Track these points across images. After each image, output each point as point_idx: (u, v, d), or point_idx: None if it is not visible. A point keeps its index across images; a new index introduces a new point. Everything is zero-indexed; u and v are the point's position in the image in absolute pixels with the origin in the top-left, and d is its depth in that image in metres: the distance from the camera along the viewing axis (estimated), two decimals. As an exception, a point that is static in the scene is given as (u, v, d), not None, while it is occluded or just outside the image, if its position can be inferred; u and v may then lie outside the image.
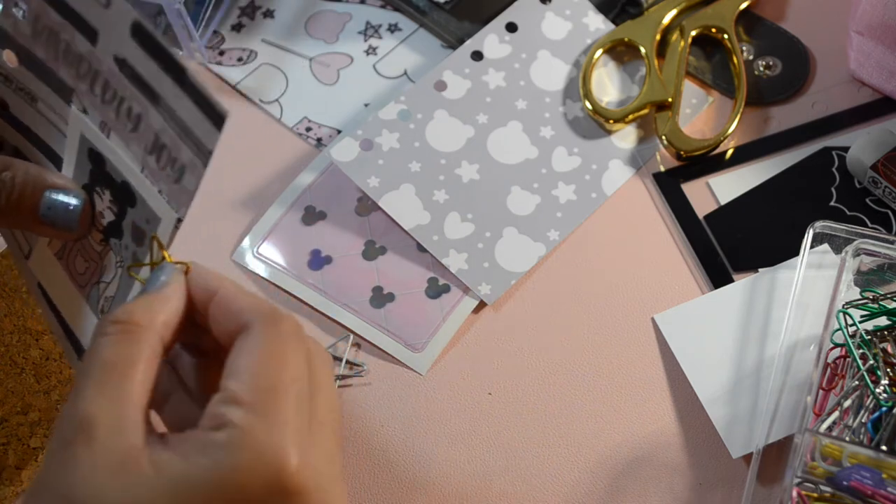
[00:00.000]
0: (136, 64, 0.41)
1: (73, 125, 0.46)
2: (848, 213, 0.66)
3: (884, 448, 0.54)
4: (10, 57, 0.47)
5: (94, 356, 0.40)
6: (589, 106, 0.70)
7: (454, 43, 0.73)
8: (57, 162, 0.48)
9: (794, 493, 0.54)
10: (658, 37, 0.72)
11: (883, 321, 0.59)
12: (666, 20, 0.73)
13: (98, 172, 0.46)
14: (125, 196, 0.45)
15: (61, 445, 0.38)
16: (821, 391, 0.58)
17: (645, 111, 0.70)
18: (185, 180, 0.41)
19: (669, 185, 0.68)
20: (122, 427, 0.38)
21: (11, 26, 0.46)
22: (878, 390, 0.56)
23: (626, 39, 0.72)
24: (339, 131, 0.72)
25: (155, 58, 0.40)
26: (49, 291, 0.49)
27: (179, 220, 0.43)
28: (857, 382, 0.57)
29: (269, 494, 0.38)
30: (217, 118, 0.39)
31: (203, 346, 0.44)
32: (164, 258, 0.43)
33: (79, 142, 0.46)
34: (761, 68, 0.72)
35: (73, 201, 0.47)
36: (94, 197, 0.46)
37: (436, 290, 0.66)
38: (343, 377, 0.64)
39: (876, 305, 0.59)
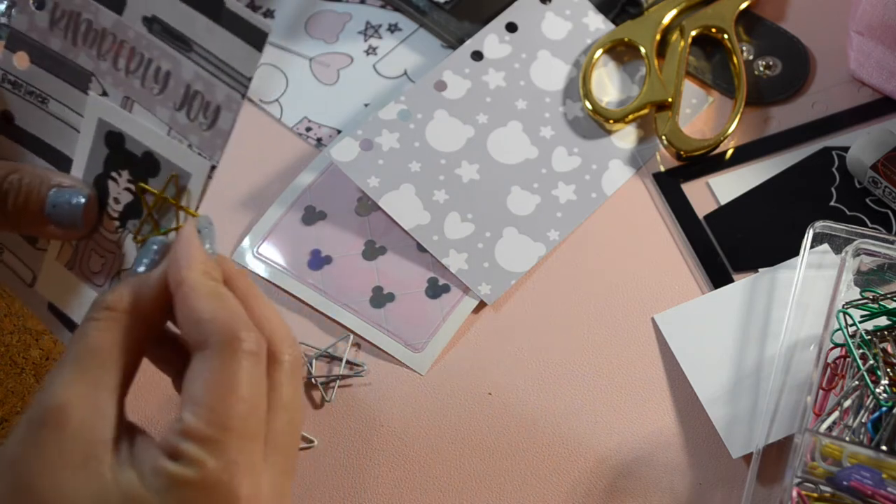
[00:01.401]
0: (166, 17, 0.43)
1: (90, 112, 0.46)
2: (848, 213, 0.66)
3: (884, 448, 0.54)
4: (21, 59, 0.47)
5: (80, 340, 0.40)
6: (589, 106, 0.70)
7: (454, 43, 0.73)
8: (65, 164, 0.48)
9: (794, 493, 0.54)
10: (658, 37, 0.72)
11: (883, 321, 0.59)
12: (666, 20, 0.73)
13: (115, 155, 0.46)
14: (147, 167, 0.45)
15: (32, 426, 0.39)
16: (821, 391, 0.58)
17: (645, 111, 0.70)
18: (220, 121, 0.43)
19: (669, 185, 0.68)
20: (94, 420, 0.39)
21: (26, 23, 0.47)
22: (878, 390, 0.56)
23: (626, 39, 0.72)
24: (339, 131, 0.72)
25: (190, 2, 0.43)
26: (63, 307, 0.49)
27: (213, 168, 0.44)
28: (857, 382, 0.57)
29: None
30: (258, 37, 0.41)
31: None
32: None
33: (95, 128, 0.46)
34: (761, 68, 0.72)
35: (77, 197, 0.47)
36: (108, 184, 0.47)
37: (436, 290, 0.66)
38: (343, 377, 0.64)
39: (876, 305, 0.59)
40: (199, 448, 0.39)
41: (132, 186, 0.46)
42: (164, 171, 0.45)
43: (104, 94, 0.46)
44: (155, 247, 0.44)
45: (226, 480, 0.39)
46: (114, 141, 0.46)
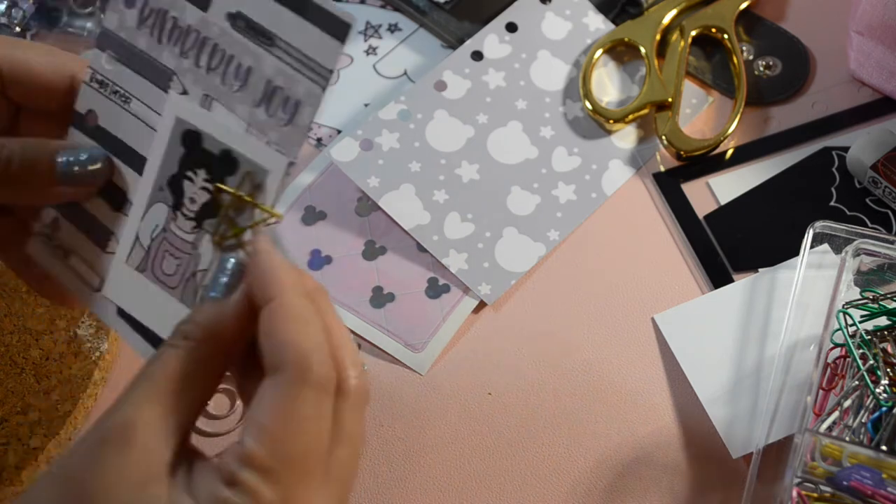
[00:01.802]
0: (250, 13, 0.44)
1: (169, 111, 0.47)
2: (848, 213, 0.66)
3: (884, 448, 0.54)
4: (109, 59, 0.49)
5: (156, 363, 0.40)
6: (589, 106, 0.70)
7: (454, 43, 0.73)
8: (139, 164, 0.48)
9: (794, 493, 0.54)
10: (658, 37, 0.72)
11: (883, 321, 0.59)
12: (666, 20, 0.73)
13: (192, 154, 0.47)
14: (225, 166, 0.46)
15: (95, 442, 0.39)
16: (821, 391, 0.58)
17: (645, 111, 0.70)
18: (299, 117, 0.43)
19: (669, 185, 0.68)
20: (158, 444, 0.39)
21: (116, 22, 0.48)
22: (878, 390, 0.56)
23: (626, 39, 0.72)
24: (339, 131, 0.72)
25: None
26: (134, 312, 0.49)
27: (291, 164, 0.44)
28: (857, 382, 0.57)
29: None
30: (341, 28, 0.42)
31: None
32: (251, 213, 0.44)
33: (172, 127, 0.47)
34: (761, 68, 0.72)
35: (95, 154, 0.48)
36: (183, 184, 0.47)
37: (436, 290, 0.66)
38: (343, 377, 0.64)
39: (876, 305, 0.59)
40: (258, 478, 0.38)
41: (209, 186, 0.46)
42: (242, 169, 0.46)
43: (184, 92, 0.47)
44: (231, 266, 0.44)
45: None
46: (190, 140, 0.47)
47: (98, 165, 0.48)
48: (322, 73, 0.43)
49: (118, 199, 0.49)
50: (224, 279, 0.43)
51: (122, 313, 0.49)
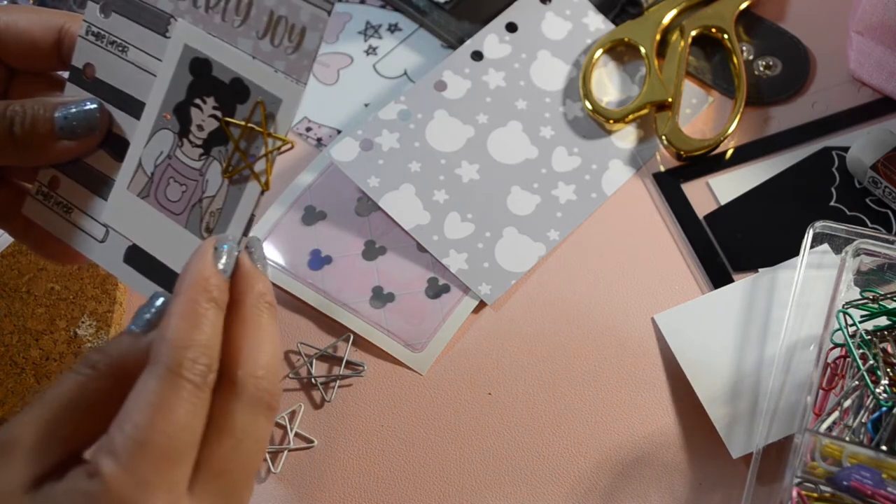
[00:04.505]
0: None
1: (177, 38, 0.47)
2: (848, 213, 0.66)
3: (884, 448, 0.54)
4: (104, 9, 0.49)
5: (55, 390, 0.41)
6: (589, 106, 0.70)
7: (454, 43, 0.73)
8: (138, 109, 0.48)
9: (794, 493, 0.54)
10: (658, 37, 0.72)
11: (883, 321, 0.59)
12: (666, 20, 0.73)
13: (201, 82, 0.46)
14: (236, 93, 0.45)
15: None
16: (821, 391, 0.58)
17: (645, 111, 0.70)
18: (306, 42, 0.43)
19: (669, 185, 0.68)
20: (22, 464, 0.40)
21: None
22: (878, 390, 0.56)
23: (626, 39, 0.72)
24: (339, 131, 0.72)
25: None
26: (137, 239, 0.48)
27: (302, 88, 0.44)
28: (857, 382, 0.57)
29: None
30: None
31: None
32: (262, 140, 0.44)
33: (180, 55, 0.47)
34: (761, 68, 0.72)
35: (88, 104, 0.48)
36: (191, 111, 0.47)
37: (436, 290, 0.66)
38: (343, 377, 0.64)
39: (876, 305, 0.59)
40: (112, 463, 0.38)
41: (218, 113, 0.46)
42: (254, 97, 0.45)
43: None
44: (158, 304, 0.44)
45: (131, 498, 0.38)
46: (199, 68, 0.47)
47: (94, 113, 0.48)
48: None
49: (120, 148, 0.49)
50: (147, 316, 0.43)
51: (128, 258, 0.49)
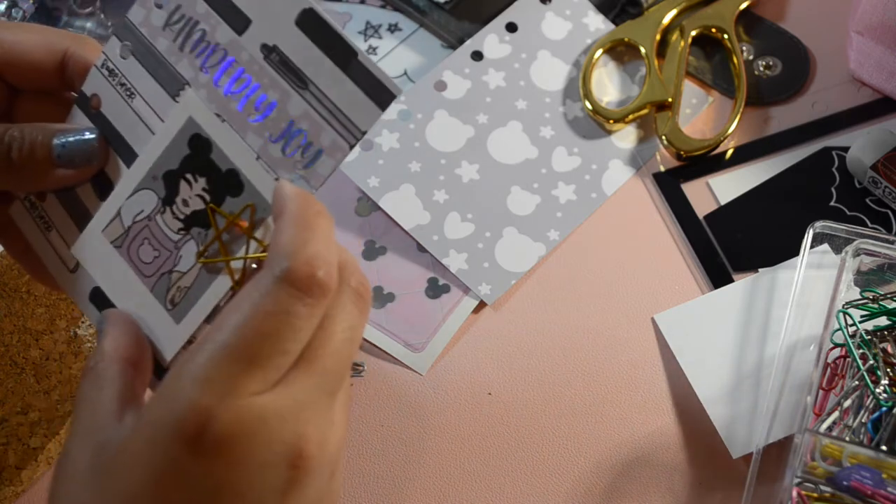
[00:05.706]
0: (288, 50, 0.43)
1: (183, 107, 0.46)
2: (848, 213, 0.66)
3: (884, 448, 0.54)
4: (124, 50, 0.48)
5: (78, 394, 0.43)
6: (589, 106, 0.70)
7: (454, 43, 0.73)
8: (130, 157, 0.47)
9: (794, 493, 0.54)
10: (658, 37, 0.72)
11: (883, 321, 0.59)
12: (666, 20, 0.73)
13: (196, 159, 0.45)
14: (229, 185, 0.44)
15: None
16: (821, 391, 0.58)
17: (645, 111, 0.70)
18: (319, 166, 0.42)
19: (669, 185, 0.68)
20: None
21: (141, 17, 0.47)
22: (878, 390, 0.56)
23: (626, 39, 0.72)
24: (339, 131, 0.72)
25: (320, 44, 0.42)
26: (102, 283, 0.48)
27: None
28: (857, 382, 0.57)
29: (175, 443, 0.39)
30: (384, 96, 0.41)
31: None
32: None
33: (183, 125, 0.46)
34: (761, 68, 0.72)
35: (87, 133, 0.47)
36: (179, 183, 0.46)
37: (436, 290, 0.66)
38: (343, 377, 0.64)
39: (876, 305, 0.59)
40: (215, 357, 0.39)
41: (207, 196, 0.45)
42: (246, 197, 0.44)
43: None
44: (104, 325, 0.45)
45: (185, 390, 0.39)
46: (199, 146, 0.45)
47: (92, 143, 0.47)
48: (353, 132, 0.41)
49: (104, 188, 0.48)
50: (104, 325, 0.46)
51: (93, 297, 0.49)
